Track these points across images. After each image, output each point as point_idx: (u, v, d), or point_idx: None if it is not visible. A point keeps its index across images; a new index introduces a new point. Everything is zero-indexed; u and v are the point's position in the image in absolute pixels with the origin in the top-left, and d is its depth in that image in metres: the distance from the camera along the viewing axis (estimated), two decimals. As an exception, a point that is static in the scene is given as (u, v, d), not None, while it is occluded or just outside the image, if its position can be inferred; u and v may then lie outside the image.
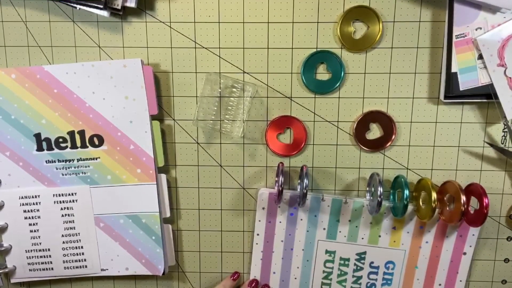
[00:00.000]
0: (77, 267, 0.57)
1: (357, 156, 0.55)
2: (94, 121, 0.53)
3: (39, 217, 0.55)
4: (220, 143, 0.55)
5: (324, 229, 0.56)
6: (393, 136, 0.54)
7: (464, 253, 0.55)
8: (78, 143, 0.54)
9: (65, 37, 0.53)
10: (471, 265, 0.56)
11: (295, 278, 0.58)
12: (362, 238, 0.56)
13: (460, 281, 0.56)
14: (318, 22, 0.52)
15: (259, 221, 0.56)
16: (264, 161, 0.56)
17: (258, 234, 0.57)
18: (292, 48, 0.53)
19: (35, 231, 0.56)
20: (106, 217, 0.55)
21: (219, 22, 0.52)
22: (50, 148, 0.54)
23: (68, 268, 0.57)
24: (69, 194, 0.55)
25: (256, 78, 0.54)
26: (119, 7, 0.50)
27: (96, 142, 0.54)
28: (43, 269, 0.57)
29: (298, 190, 0.54)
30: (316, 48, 0.52)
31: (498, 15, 0.49)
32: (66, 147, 0.54)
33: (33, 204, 0.55)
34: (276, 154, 0.55)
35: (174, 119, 0.55)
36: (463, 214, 0.49)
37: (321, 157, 0.55)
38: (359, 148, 0.55)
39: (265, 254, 0.57)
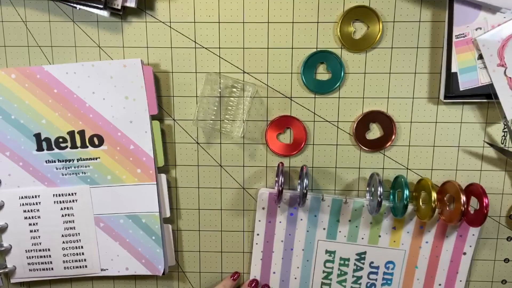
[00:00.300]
0: (77, 267, 0.57)
1: (357, 156, 0.55)
2: (94, 121, 0.53)
3: (39, 217, 0.55)
4: (220, 143, 0.55)
5: (324, 229, 0.56)
6: (393, 136, 0.54)
7: (464, 253, 0.55)
8: (78, 143, 0.54)
9: (65, 37, 0.53)
10: (471, 265, 0.56)
11: (295, 278, 0.58)
12: (362, 238, 0.56)
13: (460, 281, 0.56)
14: (318, 22, 0.52)
15: (259, 221, 0.56)
16: (264, 161, 0.56)
17: (258, 234, 0.57)
18: (292, 48, 0.53)
19: (35, 231, 0.56)
20: (106, 217, 0.55)
21: (219, 22, 0.52)
22: (50, 148, 0.54)
23: (68, 268, 0.57)
24: (69, 194, 0.55)
25: (256, 78, 0.54)
26: (119, 7, 0.50)
27: (96, 142, 0.54)
28: (43, 269, 0.57)
29: (298, 190, 0.54)
30: (316, 48, 0.52)
31: (498, 15, 0.49)
32: (66, 147, 0.54)
33: (33, 204, 0.55)
34: (276, 154, 0.55)
35: (174, 119, 0.55)
36: (463, 214, 0.49)
37: (321, 157, 0.55)
38: (359, 148, 0.55)
39: (265, 254, 0.57)
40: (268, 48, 0.53)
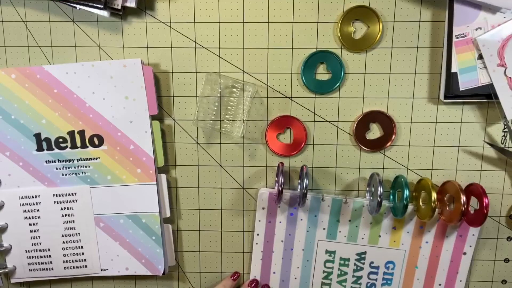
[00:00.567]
0: (77, 267, 0.57)
1: (357, 156, 0.55)
2: (94, 121, 0.53)
3: (39, 217, 0.55)
4: (220, 143, 0.55)
5: (324, 229, 0.56)
6: (393, 136, 0.54)
7: (464, 253, 0.55)
8: (78, 143, 0.54)
9: (65, 37, 0.53)
10: (471, 265, 0.56)
11: (295, 278, 0.58)
12: (362, 238, 0.56)
13: (460, 281, 0.56)
14: (318, 22, 0.52)
15: (259, 221, 0.56)
16: (264, 161, 0.56)
17: (258, 234, 0.57)
18: (292, 48, 0.53)
19: (35, 231, 0.56)
20: (106, 217, 0.55)
21: (219, 22, 0.52)
22: (50, 148, 0.54)
23: (68, 268, 0.57)
24: (69, 194, 0.55)
25: (256, 78, 0.54)
26: (119, 7, 0.50)
27: (96, 142, 0.54)
28: (43, 269, 0.57)
29: (298, 190, 0.54)
30: (316, 48, 0.52)
31: (498, 15, 0.49)
32: (66, 147, 0.54)
33: (33, 204, 0.55)
34: (276, 154, 0.55)
35: (174, 119, 0.55)
36: (463, 214, 0.49)
37: (321, 157, 0.55)
38: (359, 148, 0.55)
39: (265, 254, 0.57)
40: (268, 48, 0.53)
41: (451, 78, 0.50)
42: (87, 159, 0.54)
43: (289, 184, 0.56)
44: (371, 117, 0.53)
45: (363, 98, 0.54)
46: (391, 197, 0.55)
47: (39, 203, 0.55)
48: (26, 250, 0.56)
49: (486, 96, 0.51)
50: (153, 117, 0.53)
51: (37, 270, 0.57)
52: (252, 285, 0.57)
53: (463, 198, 0.49)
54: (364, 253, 0.56)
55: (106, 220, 0.55)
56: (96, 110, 0.53)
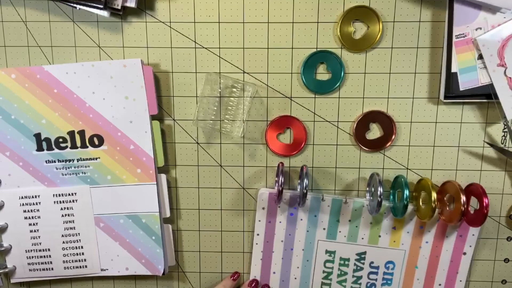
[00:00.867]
0: (77, 267, 0.57)
1: (357, 156, 0.55)
2: (94, 121, 0.53)
3: (39, 217, 0.55)
4: (220, 143, 0.55)
5: (324, 229, 0.56)
6: (393, 136, 0.54)
7: (464, 253, 0.55)
8: (78, 143, 0.54)
9: (65, 37, 0.53)
10: (471, 265, 0.56)
11: (295, 278, 0.58)
12: (362, 238, 0.56)
13: (460, 281, 0.56)
14: (318, 22, 0.52)
15: (259, 221, 0.56)
16: (264, 161, 0.56)
17: (258, 234, 0.57)
18: (292, 48, 0.53)
19: (35, 231, 0.56)
20: (106, 217, 0.55)
21: (219, 22, 0.52)
22: (50, 148, 0.54)
23: (68, 268, 0.57)
24: (69, 194, 0.55)
25: (256, 78, 0.54)
26: (119, 7, 0.50)
27: (96, 142, 0.54)
28: (43, 269, 0.57)
29: (298, 190, 0.54)
30: (316, 48, 0.52)
31: (498, 15, 0.49)
32: (66, 147, 0.54)
33: (33, 204, 0.55)
34: (276, 154, 0.55)
35: (174, 119, 0.55)
36: (463, 214, 0.49)
37: (321, 157, 0.55)
38: (359, 148, 0.55)
39: (265, 254, 0.57)
40: (268, 48, 0.53)
41: (451, 78, 0.50)
42: (87, 159, 0.54)
43: (289, 184, 0.56)
44: (371, 117, 0.53)
45: (363, 98, 0.54)
46: (391, 197, 0.55)
47: (39, 203, 0.55)
48: (26, 250, 0.56)
49: (486, 96, 0.51)
50: (153, 117, 0.53)
51: (37, 270, 0.57)
52: (252, 285, 0.57)
53: (463, 198, 0.49)
54: (364, 253, 0.56)
55: (106, 220, 0.55)
56: (96, 110, 0.53)
